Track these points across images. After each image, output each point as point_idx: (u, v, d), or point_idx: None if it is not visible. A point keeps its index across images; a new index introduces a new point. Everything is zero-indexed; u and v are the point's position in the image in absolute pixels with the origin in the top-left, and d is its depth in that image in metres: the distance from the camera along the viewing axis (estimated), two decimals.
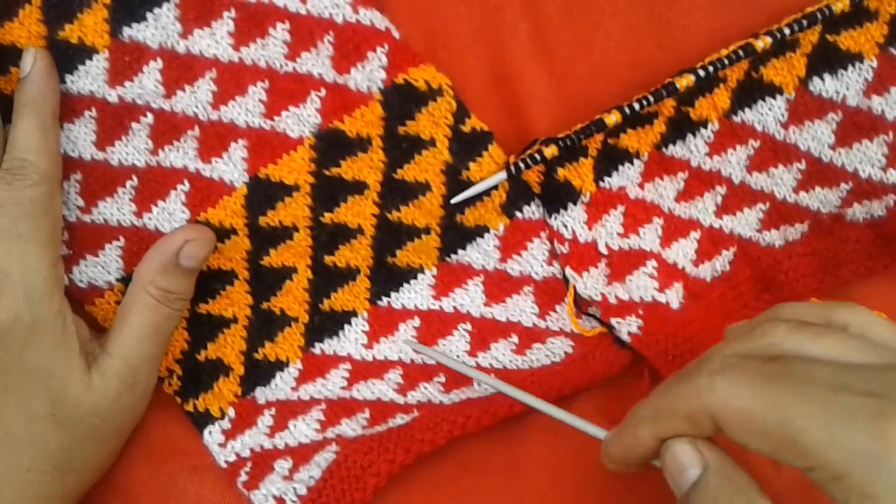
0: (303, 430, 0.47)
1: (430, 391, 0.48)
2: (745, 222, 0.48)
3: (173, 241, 0.44)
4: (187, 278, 0.45)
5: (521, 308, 0.48)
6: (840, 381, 0.32)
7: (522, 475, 0.48)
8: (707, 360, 0.35)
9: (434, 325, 0.48)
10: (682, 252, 0.48)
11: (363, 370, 0.48)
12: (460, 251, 0.48)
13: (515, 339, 0.48)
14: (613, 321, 0.47)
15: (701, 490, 0.34)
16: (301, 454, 0.46)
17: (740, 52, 0.45)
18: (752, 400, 0.32)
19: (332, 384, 0.48)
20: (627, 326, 0.47)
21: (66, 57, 0.45)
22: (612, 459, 0.38)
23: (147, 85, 0.45)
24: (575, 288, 0.48)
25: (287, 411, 0.48)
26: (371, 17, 0.45)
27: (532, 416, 0.48)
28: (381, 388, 0.48)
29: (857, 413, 0.30)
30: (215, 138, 0.46)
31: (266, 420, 0.48)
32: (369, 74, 0.46)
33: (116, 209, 0.46)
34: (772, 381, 0.32)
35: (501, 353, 0.48)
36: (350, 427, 0.47)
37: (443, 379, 0.48)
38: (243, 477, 0.46)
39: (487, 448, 0.48)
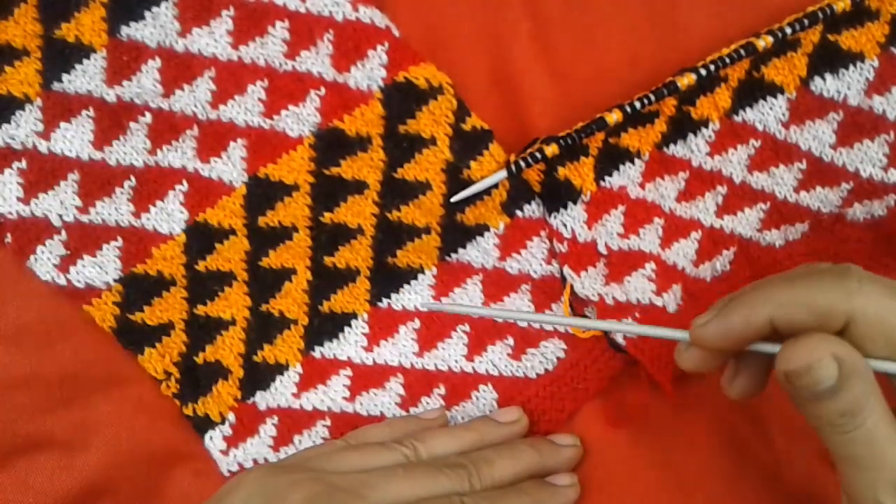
0: (308, 447, 0.47)
1: (430, 406, 0.48)
2: (745, 222, 0.48)
3: None
4: None
5: (517, 307, 0.48)
6: None
7: None
8: (851, 268, 0.35)
9: (434, 327, 0.48)
10: (683, 252, 0.48)
11: (364, 377, 0.48)
12: (460, 250, 0.48)
13: (511, 341, 0.48)
14: None
15: (840, 394, 0.34)
16: None
17: (741, 52, 0.45)
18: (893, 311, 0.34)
19: (335, 392, 0.48)
20: None
21: (63, 56, 0.44)
22: (705, 341, 0.38)
23: (145, 84, 0.45)
24: (572, 287, 0.47)
25: (291, 422, 0.48)
26: (371, 15, 0.45)
27: None
28: (384, 401, 0.48)
29: None
30: (214, 138, 0.46)
31: (269, 430, 0.47)
32: (369, 73, 0.46)
33: (114, 209, 0.46)
34: None
35: (497, 356, 0.48)
36: None
37: (442, 391, 0.48)
38: None
39: None
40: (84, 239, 0.46)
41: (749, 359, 0.39)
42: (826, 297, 0.35)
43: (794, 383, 0.35)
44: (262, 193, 0.46)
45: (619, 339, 0.47)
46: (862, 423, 0.35)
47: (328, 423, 0.47)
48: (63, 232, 0.46)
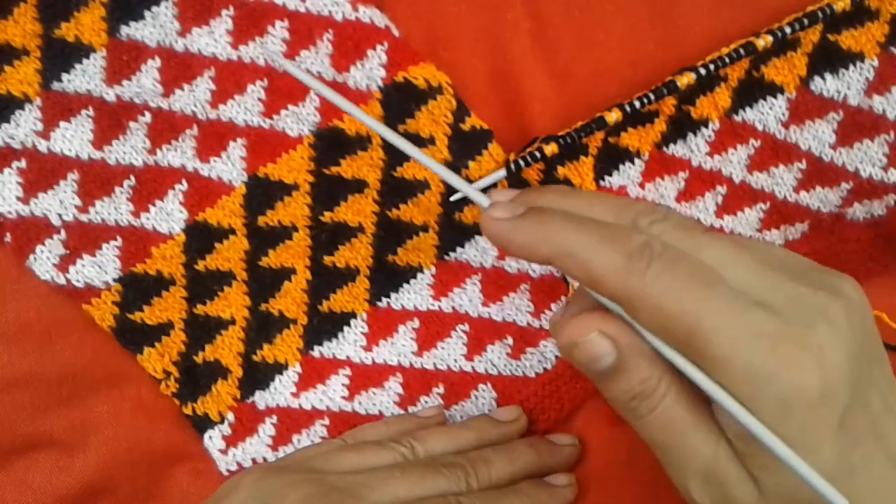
0: (306, 446, 0.47)
1: (430, 405, 0.48)
2: (745, 222, 0.48)
3: None
4: None
5: (516, 306, 0.48)
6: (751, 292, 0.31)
7: None
8: (649, 245, 0.32)
9: (433, 327, 0.48)
10: None
11: (363, 376, 0.48)
12: (458, 249, 0.48)
13: (510, 340, 0.48)
14: None
15: (620, 374, 0.33)
16: None
17: (741, 51, 0.45)
18: (673, 302, 0.31)
19: (333, 392, 0.48)
20: None
21: (63, 55, 0.45)
22: (489, 233, 0.35)
23: (145, 84, 0.45)
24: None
25: (290, 421, 0.48)
26: (371, 14, 0.45)
27: None
28: (383, 400, 0.48)
29: (762, 331, 0.30)
30: (214, 137, 0.46)
31: (268, 429, 0.47)
32: (369, 72, 0.46)
33: (114, 209, 0.46)
34: (695, 285, 0.31)
35: (497, 356, 0.48)
36: None
37: (441, 390, 0.48)
38: None
39: None
40: (83, 238, 0.46)
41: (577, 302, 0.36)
42: (604, 269, 0.31)
43: (572, 358, 0.34)
44: (262, 193, 0.46)
45: None
46: (654, 407, 0.33)
47: (327, 422, 0.47)
48: (62, 231, 0.46)
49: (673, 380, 0.33)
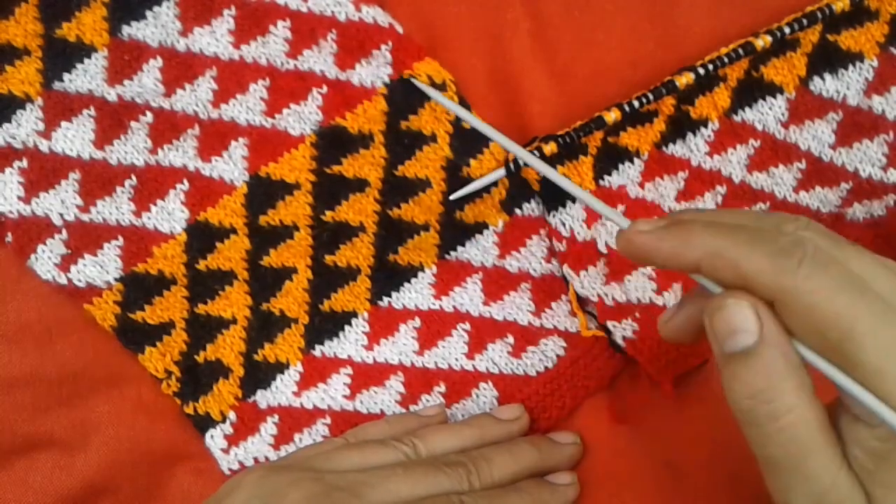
0: (308, 445, 0.47)
1: (431, 404, 0.48)
2: None
3: None
4: None
5: (517, 305, 0.48)
6: None
7: None
8: (804, 244, 0.31)
9: (434, 326, 0.48)
10: None
11: (364, 375, 0.48)
12: (459, 248, 0.48)
13: (511, 339, 0.48)
14: (609, 324, 0.47)
15: (753, 361, 0.32)
16: None
17: (740, 51, 0.45)
18: (827, 302, 0.30)
19: (335, 391, 0.48)
20: (622, 331, 0.47)
21: (64, 55, 0.45)
22: (631, 249, 0.35)
23: (147, 83, 0.45)
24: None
25: (291, 420, 0.48)
26: (374, 14, 0.45)
27: None
28: (384, 399, 0.48)
29: None
30: (215, 137, 0.46)
31: (269, 428, 0.47)
32: (375, 70, 0.46)
33: (115, 208, 0.46)
34: (848, 289, 0.30)
35: (498, 354, 0.48)
36: None
37: (443, 388, 0.48)
38: None
39: None
40: (85, 238, 0.46)
41: (692, 300, 0.36)
42: (755, 266, 0.31)
43: (711, 324, 0.33)
44: (263, 192, 0.46)
45: (619, 339, 0.47)
46: (777, 417, 0.32)
47: (328, 421, 0.48)
48: (64, 231, 0.46)
49: (806, 396, 0.32)
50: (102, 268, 0.46)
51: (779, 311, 0.31)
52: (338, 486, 0.39)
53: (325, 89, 0.46)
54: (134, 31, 0.44)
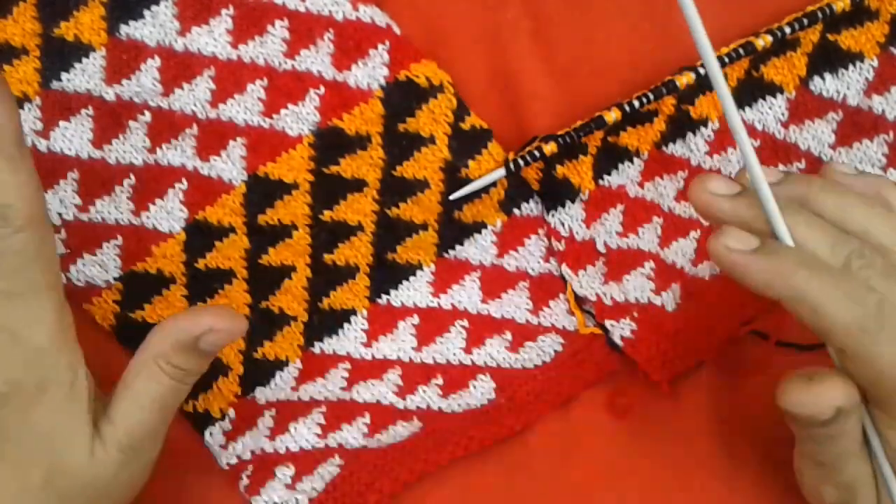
0: (303, 433, 0.47)
1: (428, 395, 0.48)
2: None
3: (198, 324, 0.39)
4: (204, 360, 0.40)
5: (515, 304, 0.48)
6: None
7: (523, 499, 0.48)
8: (882, 307, 0.34)
9: (432, 323, 0.48)
10: (682, 251, 0.48)
11: (363, 369, 0.48)
12: (458, 247, 0.48)
13: (509, 336, 0.48)
14: (608, 323, 0.48)
15: (834, 426, 0.35)
16: (303, 462, 0.46)
17: (740, 51, 0.45)
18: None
19: (333, 384, 0.48)
20: (621, 330, 0.47)
21: (62, 55, 0.44)
22: (727, 263, 0.36)
23: (145, 83, 0.45)
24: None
25: (287, 412, 0.48)
26: (371, 14, 0.45)
27: (535, 438, 0.48)
28: (381, 390, 0.48)
29: None
30: (214, 136, 0.46)
31: (266, 421, 0.48)
32: (371, 72, 0.45)
33: (114, 208, 0.46)
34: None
35: (496, 350, 0.48)
36: (351, 435, 0.47)
37: (440, 381, 0.48)
38: (245, 481, 0.46)
39: (489, 470, 0.48)
40: (84, 237, 0.46)
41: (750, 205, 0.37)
42: (837, 320, 0.34)
43: (809, 389, 0.35)
44: (262, 192, 0.46)
45: (617, 338, 0.47)
46: (837, 441, 0.35)
47: (324, 409, 0.48)
48: (63, 231, 0.46)
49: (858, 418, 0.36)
50: (102, 267, 0.46)
51: (850, 364, 0.34)
52: None
53: (322, 90, 0.45)
54: (132, 30, 0.44)
